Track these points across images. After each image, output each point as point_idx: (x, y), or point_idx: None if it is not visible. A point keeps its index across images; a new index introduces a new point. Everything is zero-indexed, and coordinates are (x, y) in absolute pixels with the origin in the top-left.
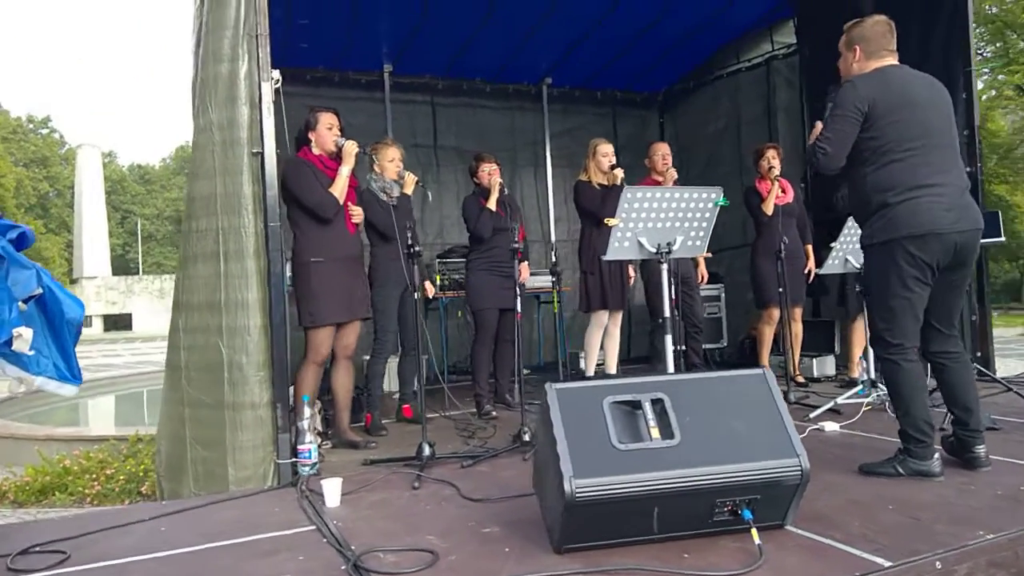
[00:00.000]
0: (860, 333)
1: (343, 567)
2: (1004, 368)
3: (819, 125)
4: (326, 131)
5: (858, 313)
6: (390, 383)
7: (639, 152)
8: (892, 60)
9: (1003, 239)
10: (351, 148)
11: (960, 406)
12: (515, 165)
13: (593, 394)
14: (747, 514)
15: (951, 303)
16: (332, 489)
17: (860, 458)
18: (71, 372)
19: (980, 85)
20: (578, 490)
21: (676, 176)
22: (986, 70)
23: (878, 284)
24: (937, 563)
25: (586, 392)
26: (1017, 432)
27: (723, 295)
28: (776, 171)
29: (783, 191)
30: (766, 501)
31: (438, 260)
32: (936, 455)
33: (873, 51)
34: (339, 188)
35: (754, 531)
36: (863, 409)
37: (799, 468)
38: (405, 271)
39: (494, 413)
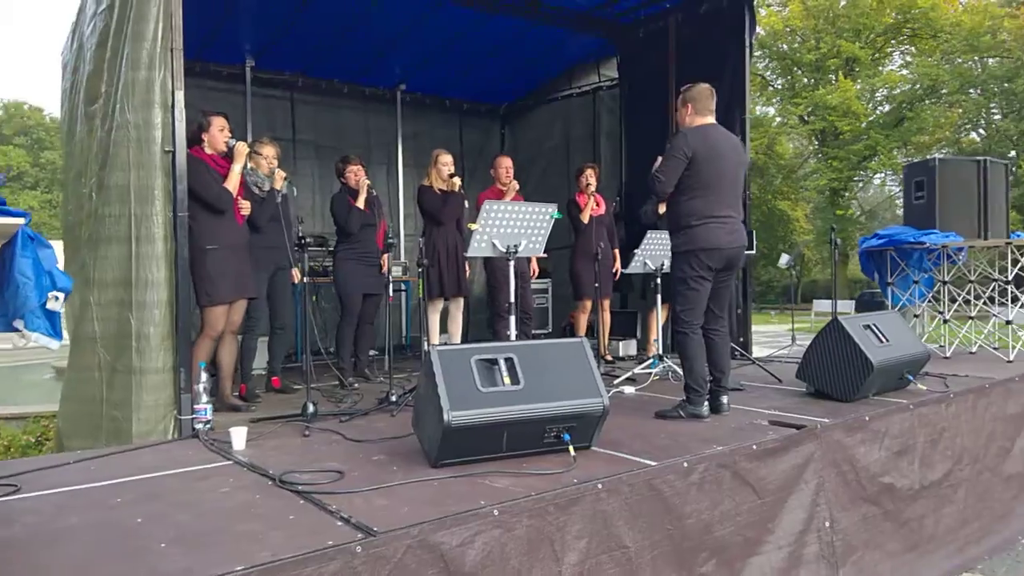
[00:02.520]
0: (655, 321)
1: (270, 483)
2: (758, 351)
3: (659, 159)
4: (218, 133)
5: (654, 305)
6: (260, 359)
7: (481, 158)
8: (711, 119)
9: (754, 252)
10: (243, 149)
11: (718, 368)
12: (369, 163)
13: (464, 354)
14: (566, 436)
15: (722, 295)
16: (238, 434)
17: (649, 410)
18: (55, 330)
19: (771, 111)
20: (453, 419)
21: (517, 187)
22: (777, 99)
23: (679, 279)
24: (684, 463)
25: (458, 352)
26: (753, 392)
27: (550, 288)
28: (592, 187)
29: (597, 204)
30: (579, 428)
31: (297, 248)
32: (706, 403)
33: (699, 110)
34: (232, 184)
35: (571, 448)
36: (652, 378)
37: (601, 405)
38: (292, 257)
39: (356, 385)
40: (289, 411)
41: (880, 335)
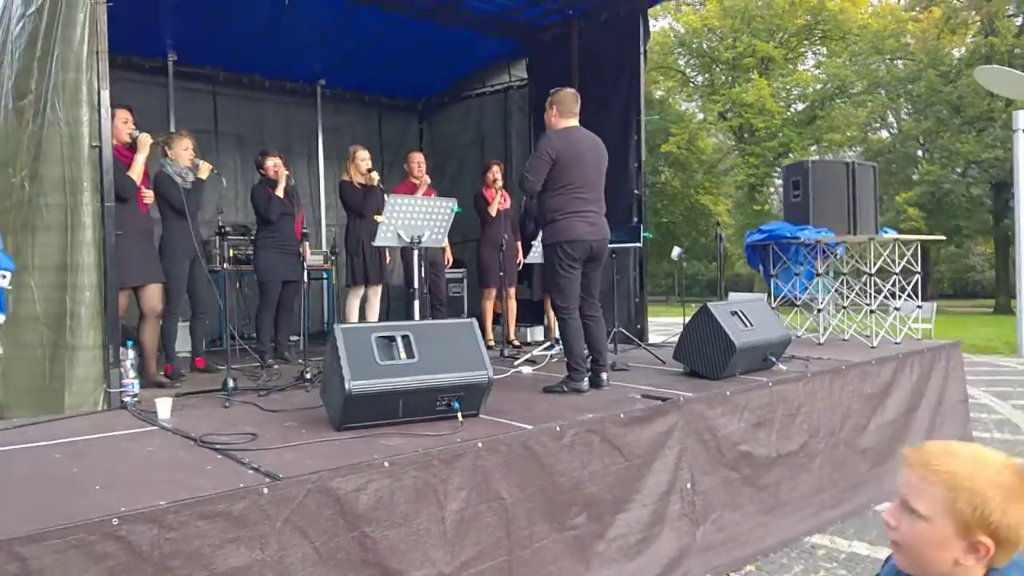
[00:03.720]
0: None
1: (191, 443)
2: (655, 338)
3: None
4: (122, 124)
5: None
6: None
7: (401, 152)
8: (575, 121)
9: (640, 245)
10: (146, 140)
11: (595, 349)
12: (290, 155)
13: (365, 332)
14: (456, 404)
15: (591, 282)
16: (163, 404)
17: (540, 387)
18: (1, 305)
19: (692, 107)
20: (353, 387)
21: (429, 181)
22: (697, 96)
23: (550, 268)
24: (557, 427)
25: (360, 330)
26: (636, 371)
27: (465, 278)
28: (499, 182)
29: (504, 199)
30: (467, 397)
31: (217, 236)
32: (585, 379)
33: (563, 112)
34: (136, 173)
35: (459, 414)
36: (549, 359)
37: (486, 376)
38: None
39: (275, 366)
40: (211, 387)
41: (745, 320)
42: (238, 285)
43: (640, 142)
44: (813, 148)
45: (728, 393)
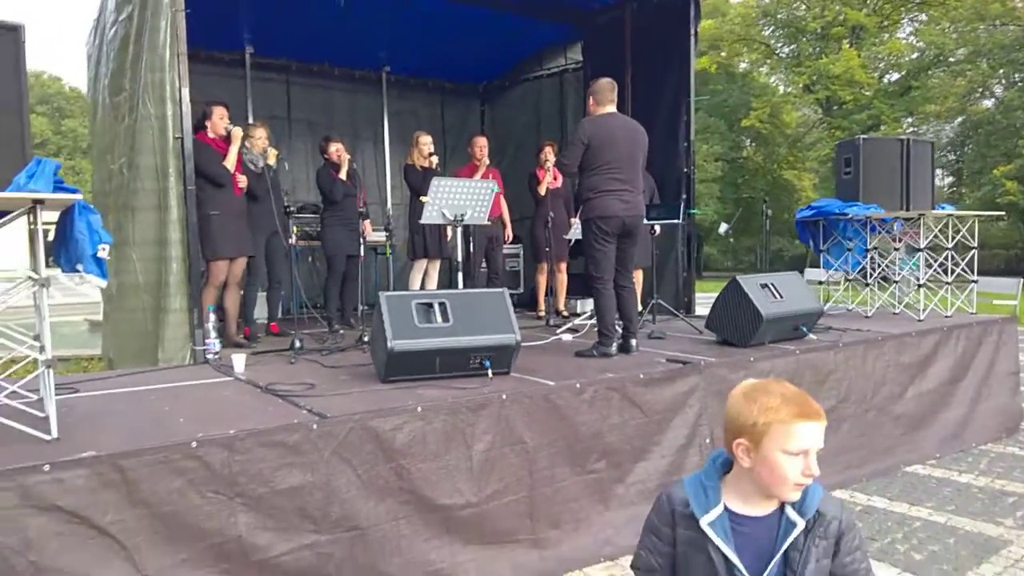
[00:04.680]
0: None
1: (259, 390)
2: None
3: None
4: (219, 120)
5: None
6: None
7: (463, 134)
8: (612, 108)
9: (679, 221)
10: (238, 133)
11: (626, 317)
12: (356, 139)
13: (406, 299)
14: (487, 363)
15: (626, 256)
16: (239, 360)
17: (575, 350)
18: (103, 273)
19: (776, 80)
20: (395, 345)
21: (487, 163)
22: (782, 68)
23: (587, 243)
24: (577, 384)
25: (402, 298)
26: (671, 340)
27: (522, 253)
28: (550, 162)
29: (555, 178)
30: (498, 357)
31: (291, 215)
32: (614, 344)
33: (600, 101)
34: (230, 162)
35: (490, 371)
36: (587, 327)
37: (514, 339)
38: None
39: (341, 331)
40: (282, 347)
41: (775, 292)
42: (310, 259)
43: (690, 123)
44: (908, 120)
45: (752, 359)
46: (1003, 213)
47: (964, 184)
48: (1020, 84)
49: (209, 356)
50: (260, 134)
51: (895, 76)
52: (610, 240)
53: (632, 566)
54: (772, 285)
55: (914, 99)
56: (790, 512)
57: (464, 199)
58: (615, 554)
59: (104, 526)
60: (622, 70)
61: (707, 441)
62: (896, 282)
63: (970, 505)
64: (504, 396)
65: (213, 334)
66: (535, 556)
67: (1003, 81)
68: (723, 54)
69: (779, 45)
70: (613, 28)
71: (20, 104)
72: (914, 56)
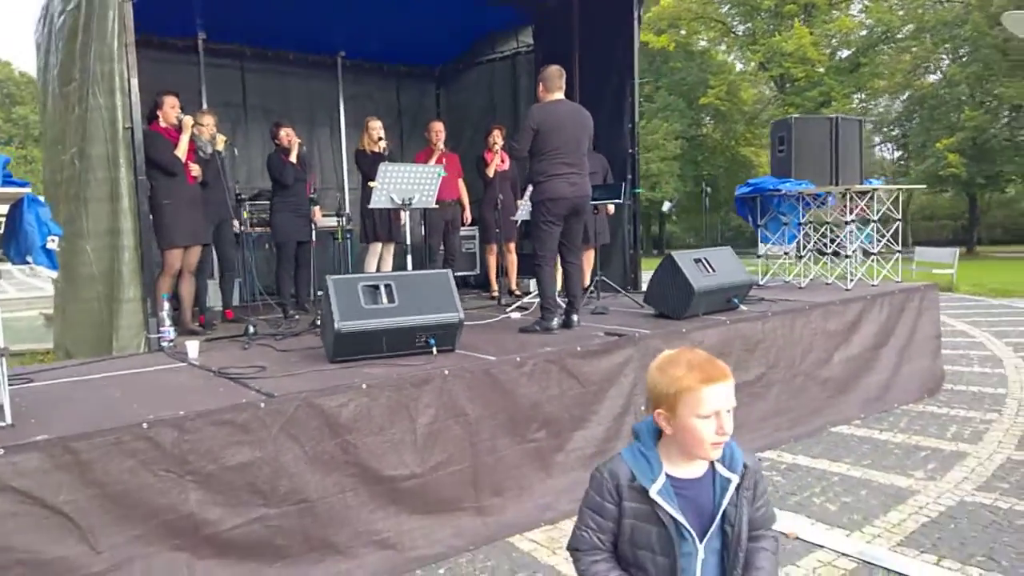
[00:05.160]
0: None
1: (211, 374)
2: None
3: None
4: (170, 110)
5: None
6: (215, 298)
7: (419, 118)
8: (559, 95)
9: (621, 201)
10: (189, 122)
11: (571, 293)
12: (313, 124)
13: (353, 281)
14: (432, 341)
15: (573, 234)
16: (193, 346)
17: (519, 327)
18: (53, 263)
19: (732, 59)
20: (342, 326)
21: (444, 149)
22: (737, 46)
23: (535, 223)
24: (517, 358)
25: (349, 281)
26: (613, 314)
27: (477, 235)
28: (499, 145)
29: (502, 161)
30: (443, 335)
31: (248, 201)
32: (556, 319)
33: (549, 88)
34: (182, 151)
35: (434, 348)
36: (536, 306)
37: (457, 317)
38: (228, 209)
39: (297, 316)
40: (236, 334)
41: (708, 266)
42: (267, 246)
43: (634, 104)
44: (857, 96)
45: (684, 330)
46: (923, 186)
47: (911, 158)
48: (963, 59)
49: (164, 344)
50: (208, 121)
51: (846, 53)
52: (557, 221)
53: (572, 548)
54: (705, 260)
55: (863, 75)
56: (722, 470)
57: (411, 183)
58: (556, 518)
59: (58, 506)
60: (570, 53)
61: (642, 409)
62: (848, 256)
63: (885, 460)
64: (446, 371)
65: (168, 322)
66: (479, 522)
67: (946, 56)
68: (682, 32)
69: (735, 23)
70: (561, 12)
71: None
72: (863, 33)
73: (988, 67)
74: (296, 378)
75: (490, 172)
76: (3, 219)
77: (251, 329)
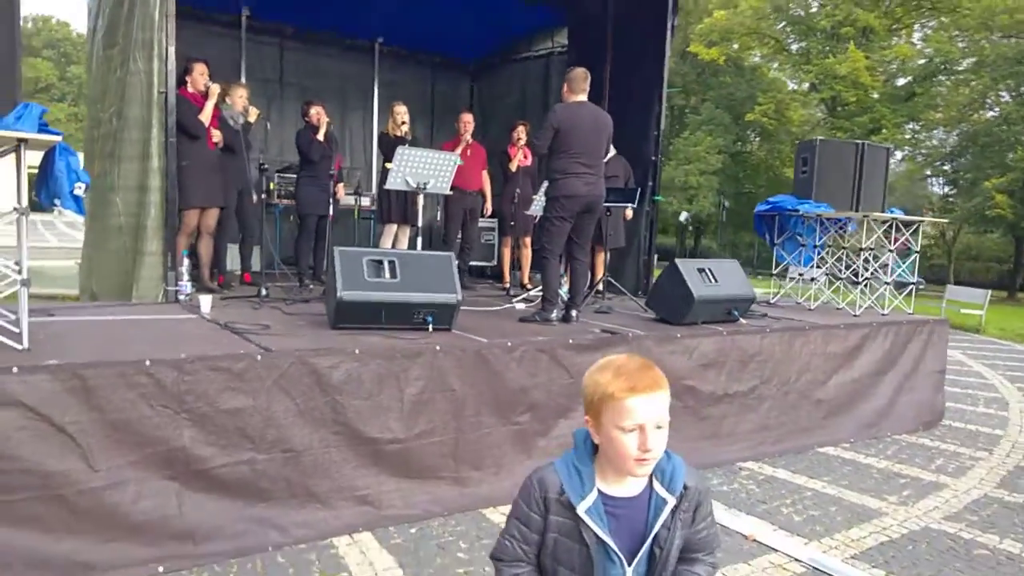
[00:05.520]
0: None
1: (219, 327)
2: None
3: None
4: (199, 76)
5: None
6: (232, 261)
7: (451, 107)
8: (583, 97)
9: (635, 205)
10: (215, 90)
11: (574, 289)
12: (346, 106)
13: (359, 255)
14: (429, 319)
15: (585, 231)
16: (206, 301)
17: (519, 316)
18: (80, 209)
19: (782, 76)
20: (344, 295)
21: (470, 140)
22: (788, 65)
23: (546, 217)
24: (508, 343)
25: (355, 253)
26: (616, 314)
27: (497, 227)
28: (522, 141)
29: (525, 156)
30: (440, 315)
31: (277, 174)
32: (555, 312)
33: (573, 89)
34: (206, 116)
35: (430, 326)
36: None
37: (455, 299)
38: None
39: (311, 286)
40: (250, 295)
41: (711, 277)
42: (292, 217)
43: (661, 113)
44: (909, 126)
45: (679, 336)
46: (946, 220)
47: (960, 195)
48: (1018, 97)
49: (180, 297)
50: (241, 93)
51: (902, 81)
52: (569, 218)
53: (494, 557)
54: (709, 270)
55: (917, 105)
56: (659, 489)
57: (427, 169)
58: None
59: (63, 425)
60: (603, 57)
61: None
62: (888, 283)
63: (863, 482)
64: (438, 347)
65: (186, 277)
66: (455, 492)
67: (1006, 94)
68: (735, 46)
69: (790, 41)
70: (597, 16)
71: (13, 51)
72: (921, 62)
73: None
74: (296, 338)
75: (512, 167)
76: (37, 167)
77: (263, 292)
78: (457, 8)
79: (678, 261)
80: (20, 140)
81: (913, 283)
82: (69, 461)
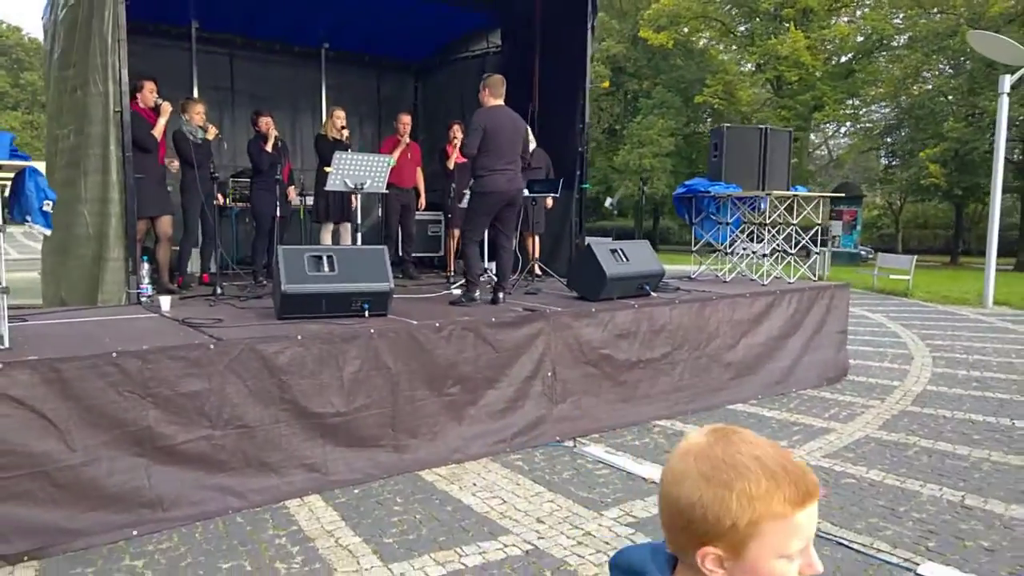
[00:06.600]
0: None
1: (177, 323)
2: None
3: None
4: (149, 94)
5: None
6: (193, 264)
7: (396, 107)
8: (500, 101)
9: (557, 194)
10: (167, 108)
11: (501, 274)
12: (296, 110)
13: (300, 251)
14: (366, 306)
15: (507, 222)
16: (166, 301)
17: (448, 300)
18: (48, 223)
19: (730, 60)
20: (287, 289)
21: (408, 141)
22: (733, 47)
23: (471, 207)
24: (436, 323)
25: (297, 250)
26: (543, 295)
27: (443, 219)
28: (458, 140)
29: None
30: (376, 302)
31: (231, 179)
32: (478, 292)
33: (493, 94)
34: (158, 131)
35: (367, 312)
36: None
37: (388, 287)
38: (201, 190)
39: (266, 283)
40: (206, 294)
41: (623, 256)
42: (247, 220)
43: (585, 107)
44: (850, 102)
45: (594, 310)
46: (841, 195)
47: (898, 167)
48: (950, 71)
49: (142, 299)
50: (199, 109)
51: (842, 59)
52: (490, 210)
53: None
54: (621, 250)
55: (856, 82)
56: None
57: (364, 170)
58: (462, 459)
59: (43, 412)
60: (532, 55)
61: (549, 374)
62: (765, 255)
63: (760, 431)
64: (372, 331)
65: (146, 280)
66: (395, 457)
67: (940, 67)
68: (685, 30)
69: (736, 24)
70: (525, 18)
71: None
72: (859, 40)
73: (975, 80)
74: (245, 329)
75: (450, 164)
76: (7, 184)
77: (218, 290)
78: (398, 13)
79: (591, 242)
80: None
81: (817, 253)
82: (50, 443)
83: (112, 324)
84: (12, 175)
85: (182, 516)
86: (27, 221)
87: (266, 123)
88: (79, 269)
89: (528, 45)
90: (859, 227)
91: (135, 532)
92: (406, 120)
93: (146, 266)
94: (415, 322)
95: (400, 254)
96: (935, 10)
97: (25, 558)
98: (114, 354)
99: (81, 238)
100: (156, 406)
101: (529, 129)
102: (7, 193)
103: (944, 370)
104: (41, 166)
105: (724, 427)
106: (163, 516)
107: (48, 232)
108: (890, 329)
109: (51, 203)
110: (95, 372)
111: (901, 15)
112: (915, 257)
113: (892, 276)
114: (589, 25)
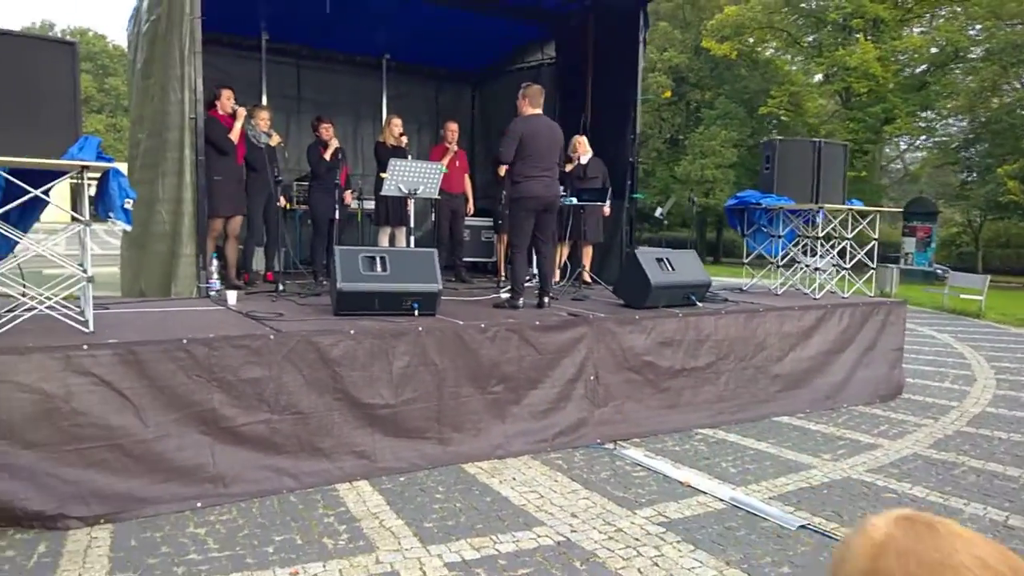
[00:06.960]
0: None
1: (242, 316)
2: None
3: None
4: (226, 100)
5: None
6: (258, 263)
7: (455, 116)
8: (539, 110)
9: (605, 204)
10: (242, 112)
11: (542, 278)
12: (358, 117)
13: (355, 252)
14: (416, 305)
15: (546, 227)
16: (232, 296)
17: (493, 303)
18: (128, 220)
19: (797, 70)
20: (343, 286)
21: (456, 149)
22: (800, 57)
23: (511, 215)
24: (482, 324)
25: (352, 251)
26: (589, 301)
27: (495, 225)
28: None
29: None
30: (425, 302)
31: (295, 182)
32: (522, 299)
33: (532, 103)
34: (235, 135)
35: (416, 311)
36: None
37: (437, 288)
38: (272, 190)
39: (325, 282)
40: (270, 290)
41: (668, 265)
42: (309, 222)
43: (636, 117)
44: (924, 115)
45: (637, 317)
46: (900, 210)
47: (975, 182)
48: None
49: (211, 292)
50: (264, 115)
51: (916, 71)
52: (529, 216)
53: None
54: (667, 259)
55: (929, 94)
56: None
57: (417, 177)
58: (504, 455)
59: (121, 389)
60: (585, 67)
61: (591, 378)
62: (819, 268)
63: (804, 444)
64: (420, 328)
65: (216, 276)
66: (439, 449)
67: (1015, 81)
68: (750, 40)
69: (802, 34)
70: (580, 30)
71: (74, 99)
72: (933, 51)
73: None
74: (303, 323)
75: (501, 171)
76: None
77: (280, 287)
78: (456, 26)
79: (638, 252)
80: (83, 166)
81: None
82: (126, 417)
83: (183, 314)
84: (99, 175)
85: (241, 492)
86: (110, 217)
87: (326, 129)
88: (155, 263)
89: (581, 57)
90: (934, 244)
91: (199, 504)
92: (453, 128)
93: (215, 263)
94: (461, 322)
95: (452, 258)
96: (1014, 21)
97: (101, 521)
98: (184, 340)
99: (157, 235)
100: (220, 389)
101: (586, 140)
102: (93, 192)
103: (1007, 392)
104: (123, 167)
105: (917, 515)
106: (224, 491)
107: (128, 228)
108: (956, 350)
109: (132, 201)
110: (167, 356)
111: (978, 26)
112: (988, 277)
113: (964, 296)
114: (641, 38)
